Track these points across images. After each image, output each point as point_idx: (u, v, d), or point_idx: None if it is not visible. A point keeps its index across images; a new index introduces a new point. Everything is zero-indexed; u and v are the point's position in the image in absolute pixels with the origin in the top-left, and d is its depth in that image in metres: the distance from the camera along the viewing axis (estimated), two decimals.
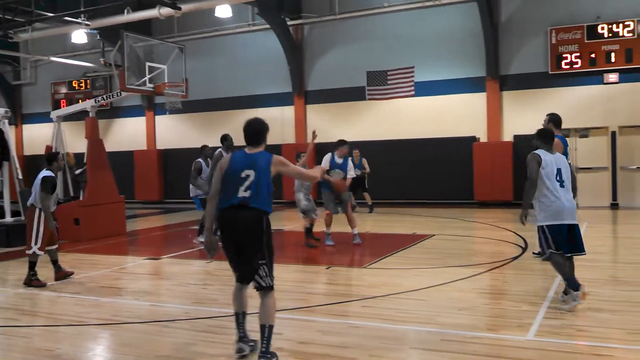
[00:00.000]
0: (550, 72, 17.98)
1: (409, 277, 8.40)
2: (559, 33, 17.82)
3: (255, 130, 5.32)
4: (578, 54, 17.59)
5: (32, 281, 8.40)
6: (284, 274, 9.05)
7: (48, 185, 8.29)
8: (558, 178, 6.52)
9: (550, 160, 6.56)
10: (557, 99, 18.03)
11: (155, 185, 23.73)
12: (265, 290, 4.95)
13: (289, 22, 20.87)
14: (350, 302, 7.00)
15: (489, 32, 18.19)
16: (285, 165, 5.21)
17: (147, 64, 14.24)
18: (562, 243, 6.46)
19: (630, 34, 17.01)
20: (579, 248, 6.60)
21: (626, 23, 17.04)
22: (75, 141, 18.86)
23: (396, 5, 19.59)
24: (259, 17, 20.60)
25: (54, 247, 8.74)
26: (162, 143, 24.27)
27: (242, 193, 4.91)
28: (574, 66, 17.67)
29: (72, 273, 8.92)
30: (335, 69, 20.76)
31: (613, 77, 17.36)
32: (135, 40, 14.26)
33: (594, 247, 10.78)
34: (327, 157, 10.98)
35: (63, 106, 24.17)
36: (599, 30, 17.36)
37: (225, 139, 11.63)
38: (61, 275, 8.74)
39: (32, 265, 8.43)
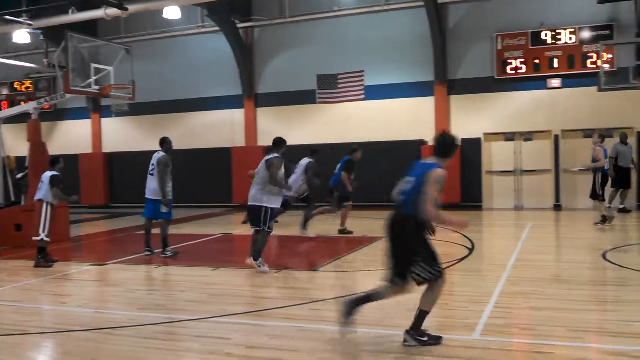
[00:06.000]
0: (496, 77, 18.40)
1: (359, 279, 8.44)
2: (504, 39, 18.26)
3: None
4: (522, 60, 18.07)
5: (40, 263, 9.97)
6: (233, 279, 8.97)
7: (57, 181, 10.17)
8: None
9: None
10: (502, 103, 18.49)
11: (100, 189, 23.20)
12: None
13: (239, 25, 20.75)
14: (300, 305, 6.97)
15: (437, 37, 18.49)
16: None
17: (93, 65, 13.91)
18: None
19: (572, 41, 17.58)
20: None
21: (568, 30, 17.60)
22: (16, 144, 18.29)
23: (346, 9, 19.74)
24: (209, 19, 20.40)
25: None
26: (108, 146, 23.76)
27: None
28: (519, 71, 18.15)
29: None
30: (285, 72, 20.75)
31: (556, 82, 17.90)
32: (80, 40, 13.90)
33: (538, 247, 11.07)
34: None
35: (4, 108, 23.40)
36: (543, 37, 17.88)
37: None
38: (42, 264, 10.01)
39: (40, 250, 10.07)
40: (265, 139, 21.18)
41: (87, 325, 6.39)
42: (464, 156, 18.41)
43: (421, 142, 19.01)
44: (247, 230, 14.07)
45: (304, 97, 20.31)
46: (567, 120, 17.84)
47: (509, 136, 18.56)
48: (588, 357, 5.09)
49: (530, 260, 9.62)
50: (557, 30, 17.74)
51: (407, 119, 19.29)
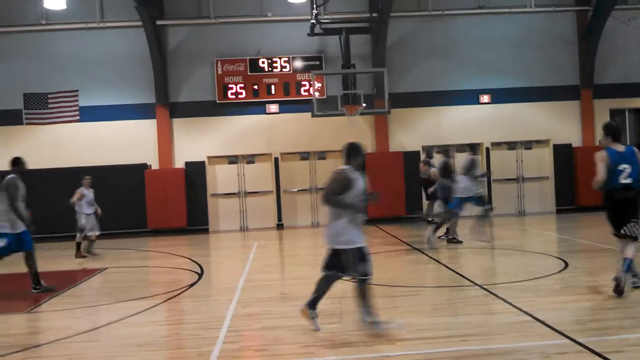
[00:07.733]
0: (217, 101, 18.66)
1: (79, 317, 7.63)
2: (224, 64, 18.65)
3: None
4: (242, 85, 18.64)
5: None
6: None
7: None
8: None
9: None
10: (225, 127, 18.81)
11: None
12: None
13: None
14: (10, 355, 6.00)
15: (157, 59, 18.13)
16: None
17: None
18: None
19: (287, 69, 18.69)
20: None
21: (283, 59, 18.69)
22: None
23: (56, 24, 18.25)
24: None
25: None
26: None
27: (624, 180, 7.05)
28: (239, 96, 18.68)
29: None
30: None
31: (274, 107, 18.81)
32: None
33: (265, 266, 11.35)
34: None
35: None
36: (260, 64, 18.69)
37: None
38: None
39: None
40: None
41: None
42: (188, 180, 18.26)
43: (144, 166, 18.35)
44: None
45: (8, 118, 18.17)
46: (286, 144, 18.85)
47: (233, 159, 18.95)
48: None
49: (258, 280, 9.77)
50: (274, 59, 18.71)
51: (129, 142, 18.49)
